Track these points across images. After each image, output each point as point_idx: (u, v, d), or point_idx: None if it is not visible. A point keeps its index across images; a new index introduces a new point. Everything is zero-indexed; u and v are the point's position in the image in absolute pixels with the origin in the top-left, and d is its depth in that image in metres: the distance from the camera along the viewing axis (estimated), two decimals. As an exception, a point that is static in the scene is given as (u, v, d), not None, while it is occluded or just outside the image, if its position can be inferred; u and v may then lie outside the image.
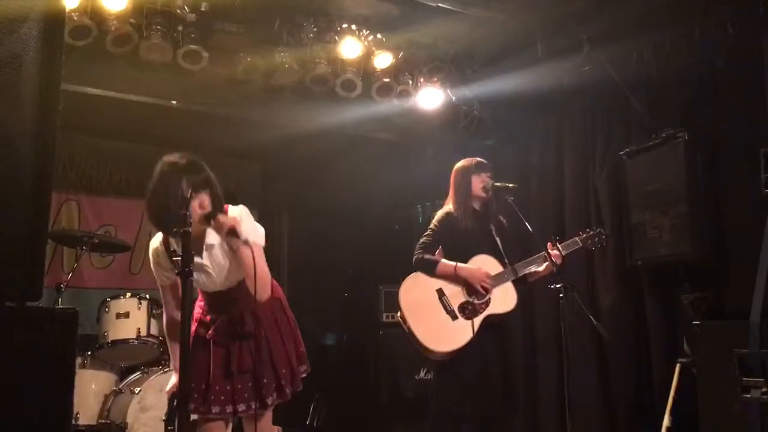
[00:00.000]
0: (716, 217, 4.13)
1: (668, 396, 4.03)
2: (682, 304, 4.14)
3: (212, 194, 2.77)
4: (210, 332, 2.98)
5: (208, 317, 3.03)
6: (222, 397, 2.92)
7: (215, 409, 2.91)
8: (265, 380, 2.95)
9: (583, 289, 4.77)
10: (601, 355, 4.77)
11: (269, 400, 2.97)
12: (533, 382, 5.18)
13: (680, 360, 4.08)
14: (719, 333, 3.66)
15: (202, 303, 3.09)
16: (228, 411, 2.92)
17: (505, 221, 3.95)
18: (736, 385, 3.33)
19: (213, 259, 2.88)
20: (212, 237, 2.84)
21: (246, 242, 2.69)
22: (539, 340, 5.20)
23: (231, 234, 2.68)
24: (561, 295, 3.52)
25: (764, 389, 3.17)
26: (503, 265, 3.81)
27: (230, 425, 3.08)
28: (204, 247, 2.85)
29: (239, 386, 2.94)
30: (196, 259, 2.73)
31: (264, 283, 2.87)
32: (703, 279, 4.13)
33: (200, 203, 2.72)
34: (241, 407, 2.93)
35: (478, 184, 3.87)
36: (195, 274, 2.64)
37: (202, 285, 2.97)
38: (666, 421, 3.99)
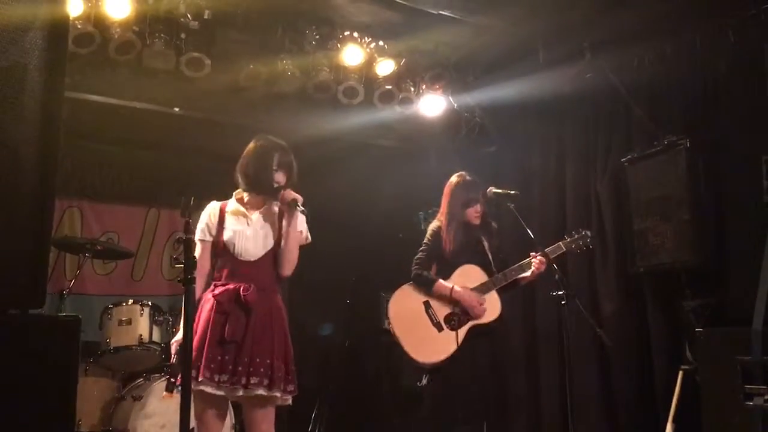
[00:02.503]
0: (718, 224, 4.13)
1: (671, 403, 4.02)
2: (685, 311, 4.13)
3: (288, 176, 3.27)
4: (215, 293, 3.12)
5: (214, 287, 3.18)
6: (212, 365, 2.98)
7: (206, 374, 2.95)
8: (246, 359, 2.99)
9: (585, 296, 4.76)
10: (603, 362, 4.75)
11: (243, 380, 2.97)
12: (535, 389, 5.17)
13: (683, 367, 4.07)
14: (722, 340, 3.65)
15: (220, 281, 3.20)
16: (215, 380, 2.96)
17: (495, 226, 3.97)
18: (739, 393, 3.33)
19: (257, 222, 3.22)
20: (273, 207, 3.27)
21: (303, 212, 3.14)
22: (541, 348, 5.19)
23: (293, 204, 3.12)
24: (563, 302, 3.53)
25: (766, 396, 3.17)
26: (489, 274, 3.89)
27: (229, 415, 3.13)
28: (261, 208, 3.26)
29: (227, 357, 3.00)
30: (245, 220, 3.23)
31: (291, 259, 3.20)
32: (706, 286, 4.12)
33: (277, 178, 3.22)
34: (224, 377, 2.97)
35: (472, 213, 3.98)
36: (238, 235, 3.17)
37: (241, 250, 3.18)
38: (669, 429, 3.98)
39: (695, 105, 4.38)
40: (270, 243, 3.20)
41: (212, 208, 3.29)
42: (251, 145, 3.32)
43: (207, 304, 3.14)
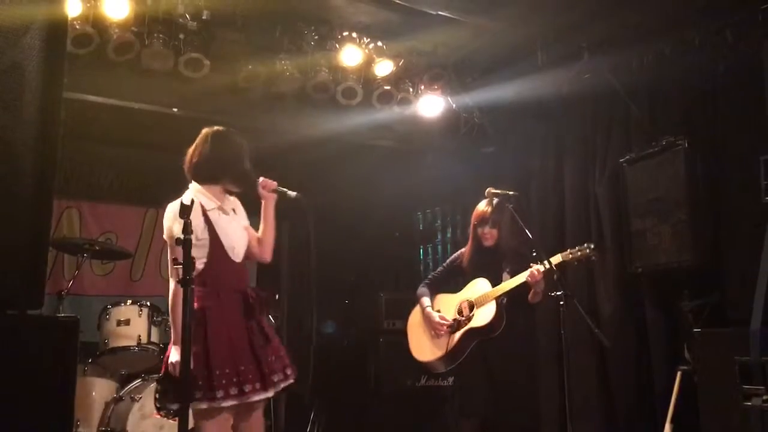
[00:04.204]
0: (716, 225, 4.13)
1: (669, 403, 4.02)
2: (683, 311, 4.14)
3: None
4: (223, 303, 3.04)
5: (218, 295, 3.06)
6: (240, 378, 2.92)
7: (233, 392, 2.90)
8: (269, 359, 3.03)
9: (584, 296, 4.76)
10: (601, 362, 4.76)
11: (275, 378, 3.01)
12: (534, 390, 5.16)
13: (681, 367, 4.07)
14: (720, 340, 3.65)
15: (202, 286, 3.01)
16: (246, 391, 2.92)
17: (520, 250, 3.96)
18: (737, 393, 3.33)
19: (235, 219, 3.20)
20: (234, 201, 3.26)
21: (297, 199, 3.20)
22: (540, 348, 5.18)
23: (280, 191, 3.22)
24: (561, 302, 3.54)
25: (765, 397, 3.17)
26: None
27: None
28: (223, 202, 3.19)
29: (250, 366, 2.97)
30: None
31: (272, 243, 3.29)
32: (704, 286, 4.13)
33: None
34: (248, 388, 2.92)
35: (481, 234, 4.03)
36: (228, 236, 3.10)
37: (232, 251, 3.12)
38: (667, 429, 3.98)
39: (694, 105, 4.38)
40: (247, 237, 3.22)
41: (193, 208, 3.06)
42: (217, 136, 3.23)
43: (215, 313, 3.00)
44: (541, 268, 3.70)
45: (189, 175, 3.22)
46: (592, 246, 3.77)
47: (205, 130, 3.27)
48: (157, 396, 3.10)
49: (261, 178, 3.25)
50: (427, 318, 4.11)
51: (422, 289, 4.24)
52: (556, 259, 3.78)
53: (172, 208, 3.04)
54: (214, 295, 3.03)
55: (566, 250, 3.81)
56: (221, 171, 3.18)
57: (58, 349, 1.80)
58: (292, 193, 3.21)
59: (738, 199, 4.03)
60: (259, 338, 3.04)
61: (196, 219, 2.95)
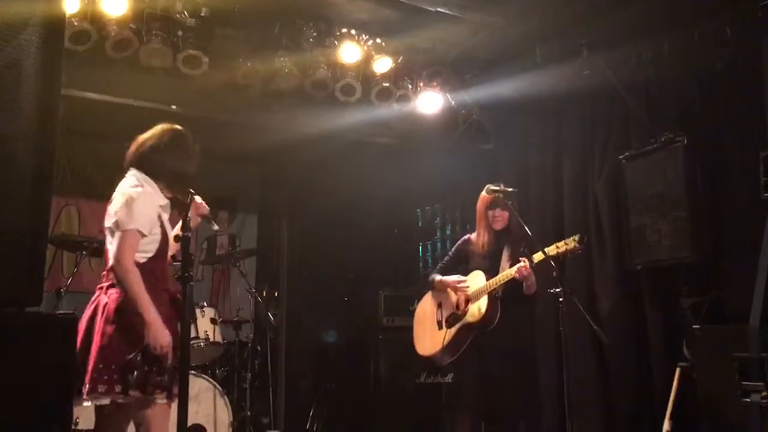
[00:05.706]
0: (715, 221, 4.14)
1: (668, 400, 4.03)
2: (682, 308, 4.14)
3: None
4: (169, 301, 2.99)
5: (152, 292, 2.94)
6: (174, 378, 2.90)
7: (175, 390, 2.86)
8: None
9: (583, 293, 4.76)
10: (601, 359, 4.76)
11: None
12: (532, 384, 5.16)
13: (680, 364, 4.07)
14: (719, 337, 3.65)
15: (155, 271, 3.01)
16: (175, 392, 2.86)
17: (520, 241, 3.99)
18: (736, 390, 3.33)
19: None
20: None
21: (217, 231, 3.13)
22: (539, 345, 5.19)
23: (206, 221, 3.19)
24: (561, 299, 3.54)
25: (764, 393, 3.18)
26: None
27: None
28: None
29: (174, 366, 2.90)
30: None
31: None
32: (703, 283, 4.13)
33: None
34: (175, 390, 2.87)
35: (492, 216, 4.06)
36: (169, 233, 3.05)
37: (171, 250, 3.08)
38: (666, 426, 3.99)
39: (693, 102, 4.38)
40: None
41: (151, 201, 3.02)
42: (181, 138, 3.15)
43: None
44: (528, 264, 3.73)
45: (137, 162, 3.08)
46: (577, 238, 3.76)
47: (168, 127, 3.17)
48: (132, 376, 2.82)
49: (198, 199, 3.12)
50: (445, 285, 4.11)
51: (434, 275, 4.25)
52: (539, 256, 3.76)
53: (128, 197, 2.93)
54: (149, 292, 2.91)
55: (552, 245, 3.81)
56: (173, 172, 3.07)
57: (57, 346, 1.80)
58: (216, 226, 3.23)
59: (737, 195, 4.03)
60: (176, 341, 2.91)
61: (152, 212, 2.96)
